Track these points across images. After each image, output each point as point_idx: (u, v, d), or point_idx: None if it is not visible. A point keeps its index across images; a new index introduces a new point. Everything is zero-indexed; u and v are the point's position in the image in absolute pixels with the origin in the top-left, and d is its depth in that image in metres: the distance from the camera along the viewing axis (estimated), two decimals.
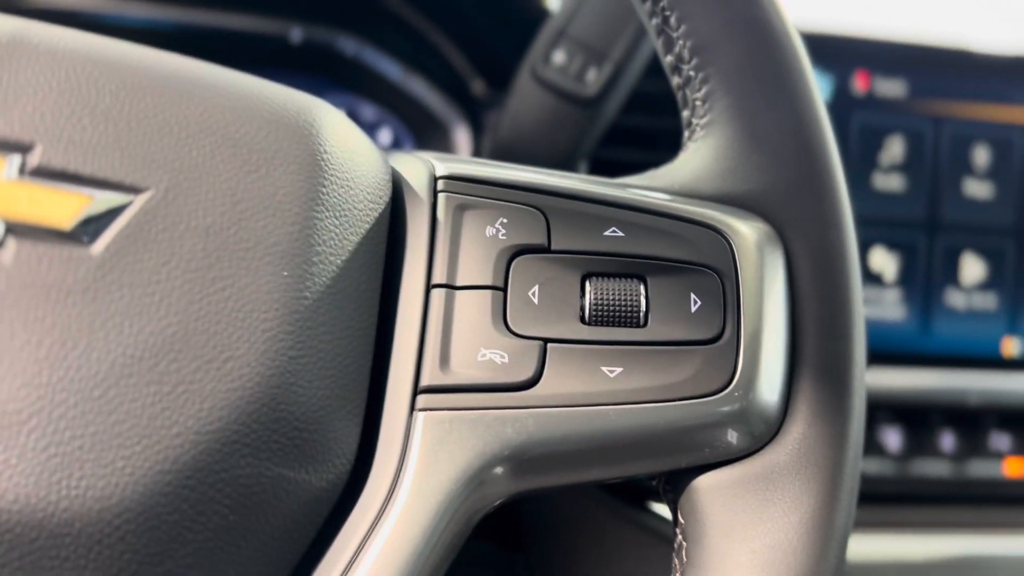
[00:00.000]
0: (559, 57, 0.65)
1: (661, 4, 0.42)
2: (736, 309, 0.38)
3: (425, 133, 0.88)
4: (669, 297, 0.38)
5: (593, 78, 0.65)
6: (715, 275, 0.39)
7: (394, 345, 0.37)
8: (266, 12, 0.84)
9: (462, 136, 0.86)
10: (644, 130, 0.77)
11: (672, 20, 0.42)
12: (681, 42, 0.42)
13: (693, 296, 0.38)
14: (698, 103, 0.42)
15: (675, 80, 0.43)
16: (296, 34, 0.85)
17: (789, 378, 0.38)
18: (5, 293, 0.31)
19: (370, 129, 0.89)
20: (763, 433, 0.38)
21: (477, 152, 0.84)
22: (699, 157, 0.42)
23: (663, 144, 0.78)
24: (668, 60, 0.43)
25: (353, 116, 0.88)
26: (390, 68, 0.86)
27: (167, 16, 0.82)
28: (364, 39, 0.85)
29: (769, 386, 0.38)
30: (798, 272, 0.40)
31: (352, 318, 0.36)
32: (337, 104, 0.87)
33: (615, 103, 0.67)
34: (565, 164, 0.67)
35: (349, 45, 0.85)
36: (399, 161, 0.42)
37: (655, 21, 0.43)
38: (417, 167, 0.40)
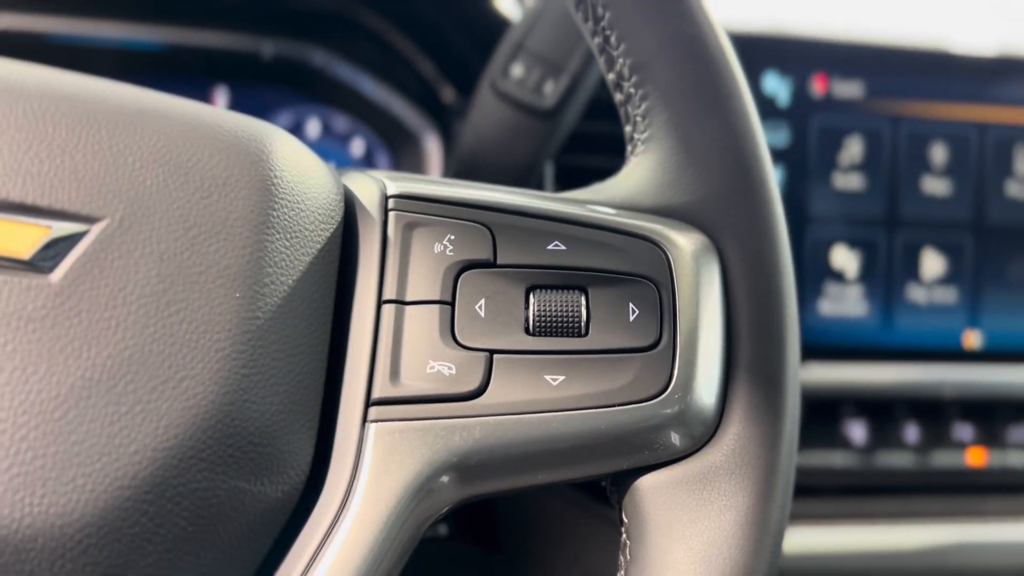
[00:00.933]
0: (517, 70, 0.67)
1: (602, 24, 0.44)
2: (672, 317, 0.40)
3: (397, 142, 0.90)
4: (609, 307, 0.40)
5: (550, 90, 0.66)
6: (652, 285, 0.41)
7: (347, 360, 0.39)
8: (238, 28, 0.85)
9: (432, 144, 0.87)
10: (606, 136, 0.79)
11: (612, 39, 0.43)
12: (621, 60, 0.43)
13: (632, 306, 0.40)
14: (638, 119, 0.44)
15: (618, 96, 0.45)
16: (268, 49, 0.86)
17: (725, 381, 0.40)
18: None
19: (343, 140, 0.91)
20: (701, 434, 0.39)
21: (446, 159, 0.85)
22: (640, 171, 0.44)
23: (624, 149, 0.79)
24: (611, 77, 0.45)
25: (326, 127, 0.90)
26: (361, 80, 0.88)
27: (140, 36, 0.84)
28: (335, 52, 0.87)
29: (705, 389, 0.39)
30: (733, 280, 0.41)
31: (304, 335, 0.38)
32: (310, 116, 0.89)
33: (573, 113, 0.69)
34: (525, 173, 0.69)
35: (320, 58, 0.87)
36: (352, 180, 0.43)
37: (597, 40, 0.45)
38: (369, 186, 0.42)
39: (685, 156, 0.42)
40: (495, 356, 0.39)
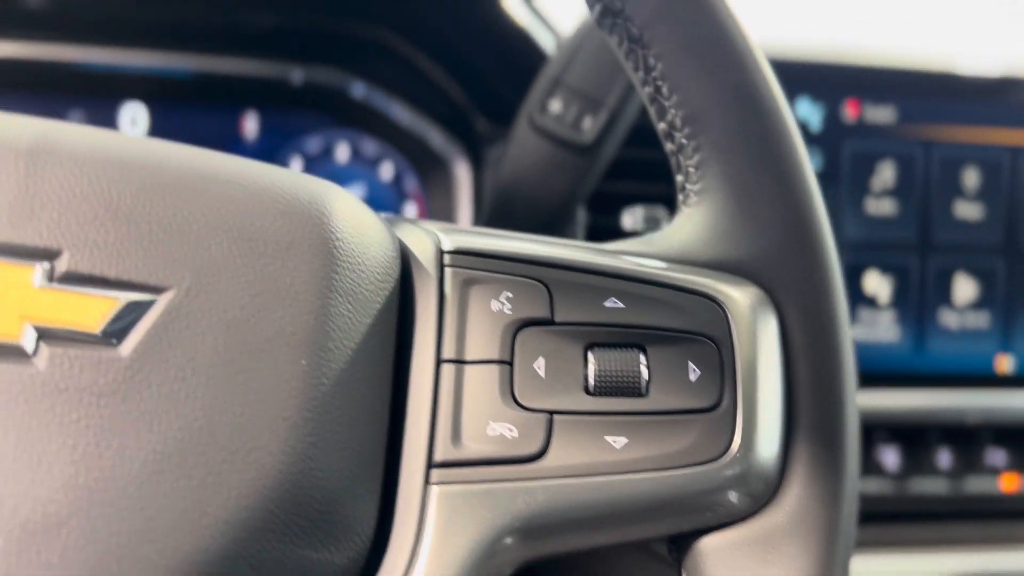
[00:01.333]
0: (555, 106, 0.67)
1: (653, 74, 0.44)
2: (732, 376, 0.40)
3: (426, 167, 0.90)
4: (668, 366, 0.40)
5: (589, 126, 0.66)
6: (711, 343, 0.40)
7: (407, 421, 0.39)
8: (268, 56, 0.85)
9: (463, 170, 0.87)
10: (639, 163, 0.79)
11: (664, 90, 0.43)
12: (673, 111, 0.43)
13: (691, 364, 0.40)
14: (691, 170, 0.44)
15: (668, 146, 0.45)
16: (298, 75, 0.86)
17: (786, 441, 0.40)
18: (41, 398, 0.33)
19: (372, 164, 0.91)
20: (763, 493, 0.39)
21: (478, 187, 0.85)
22: (693, 223, 0.44)
23: (658, 176, 0.79)
24: (661, 127, 0.45)
25: (356, 152, 0.90)
26: (391, 105, 0.88)
27: (171, 64, 0.84)
28: (365, 77, 0.87)
29: (767, 450, 0.39)
30: (791, 337, 0.41)
31: (366, 399, 0.38)
32: (340, 140, 0.89)
33: (611, 148, 0.69)
34: (563, 207, 0.69)
35: (353, 84, 0.87)
36: (406, 234, 0.43)
37: (648, 90, 0.44)
38: (423, 241, 0.42)
39: (740, 209, 0.42)
40: (556, 417, 0.39)
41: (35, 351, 0.33)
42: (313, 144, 0.89)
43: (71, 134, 0.38)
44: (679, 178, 0.45)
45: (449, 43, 0.84)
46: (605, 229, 0.78)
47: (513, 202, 0.69)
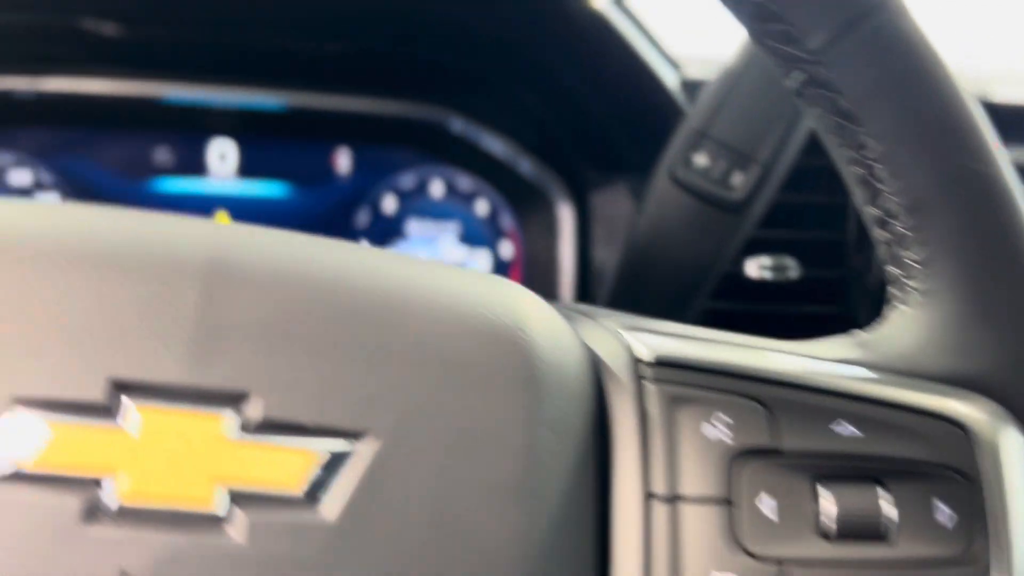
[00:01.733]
0: (701, 160, 0.61)
1: (866, 153, 0.39)
2: (983, 516, 0.35)
3: (523, 205, 0.85)
4: (911, 505, 0.35)
5: (739, 182, 0.61)
6: (958, 476, 0.36)
7: (615, 567, 0.34)
8: (359, 89, 0.81)
9: (566, 213, 0.83)
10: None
11: (880, 173, 0.38)
12: (892, 198, 0.38)
13: (936, 502, 0.35)
14: (915, 264, 0.39)
15: (881, 234, 0.40)
16: (392, 109, 0.82)
17: None
18: (238, 575, 0.28)
19: (467, 200, 0.86)
20: None
21: (584, 231, 0.80)
22: (919, 328, 0.39)
23: (777, 220, 0.74)
24: (872, 212, 0.40)
25: (450, 187, 0.85)
26: (489, 140, 0.83)
27: (266, 99, 0.80)
28: (462, 111, 0.82)
29: None
30: None
31: (575, 545, 0.33)
32: (434, 176, 0.84)
33: (762, 206, 0.64)
34: (708, 271, 0.63)
35: (448, 118, 0.82)
36: (590, 336, 0.38)
37: (857, 170, 0.40)
38: (614, 348, 0.37)
39: (977, 316, 0.38)
40: (789, 567, 0.34)
41: (229, 518, 0.29)
42: (407, 180, 0.85)
43: (244, 246, 0.33)
44: (893, 270, 0.40)
45: (563, 87, 0.79)
46: (724, 276, 0.73)
47: (650, 262, 0.64)
